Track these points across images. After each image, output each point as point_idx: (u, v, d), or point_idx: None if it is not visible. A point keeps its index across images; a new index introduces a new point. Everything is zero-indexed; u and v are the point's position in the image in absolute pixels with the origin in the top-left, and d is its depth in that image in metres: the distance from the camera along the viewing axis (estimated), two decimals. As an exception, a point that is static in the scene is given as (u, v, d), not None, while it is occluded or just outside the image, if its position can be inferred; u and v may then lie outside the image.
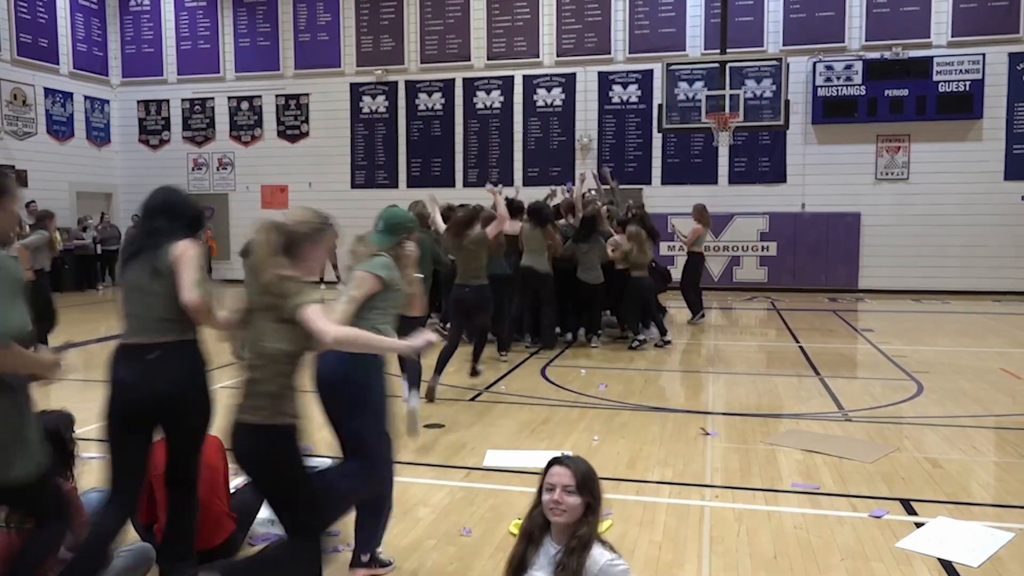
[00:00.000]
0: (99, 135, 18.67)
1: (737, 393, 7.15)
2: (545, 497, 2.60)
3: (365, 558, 3.41)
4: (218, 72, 18.42)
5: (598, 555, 2.51)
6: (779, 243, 15.72)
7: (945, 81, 14.83)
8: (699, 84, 15.23)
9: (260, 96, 18.29)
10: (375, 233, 3.74)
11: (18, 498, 2.73)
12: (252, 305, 2.85)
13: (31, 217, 11.59)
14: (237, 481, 3.73)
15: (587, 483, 2.59)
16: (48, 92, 17.17)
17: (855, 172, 15.46)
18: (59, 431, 3.11)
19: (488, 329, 7.75)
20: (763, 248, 15.80)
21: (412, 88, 17.50)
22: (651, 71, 15.84)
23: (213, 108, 18.61)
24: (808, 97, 15.40)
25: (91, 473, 4.05)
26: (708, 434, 5.59)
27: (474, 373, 7.35)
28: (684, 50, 15.86)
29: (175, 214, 3.16)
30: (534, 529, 2.65)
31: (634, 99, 16.40)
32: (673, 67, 14.74)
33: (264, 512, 3.79)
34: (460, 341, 7.20)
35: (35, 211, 11.16)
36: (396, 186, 17.53)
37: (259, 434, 2.75)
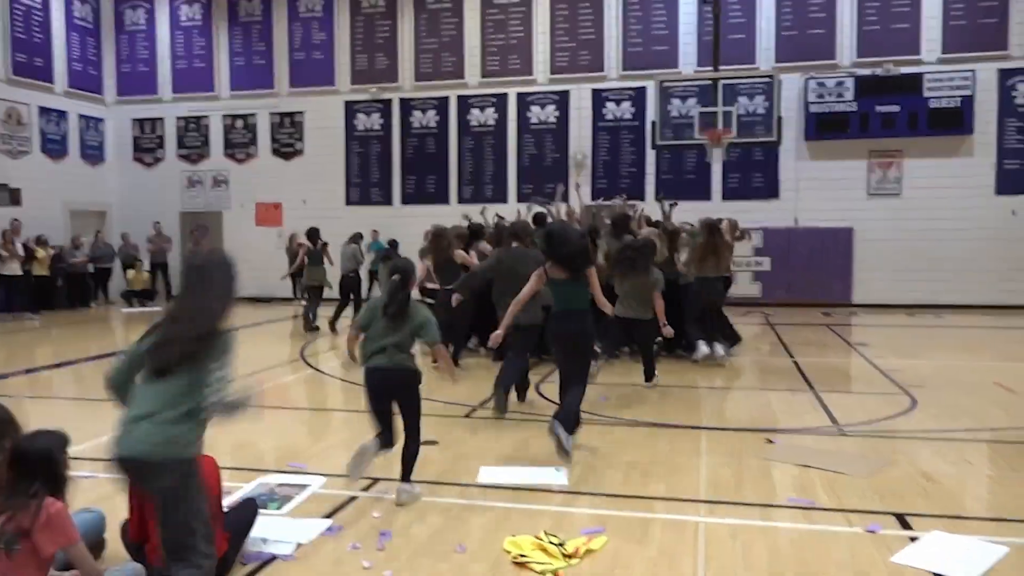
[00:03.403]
0: (93, 153, 18.69)
1: (731, 408, 7.15)
2: None
3: None
4: (213, 90, 18.49)
5: None
6: (773, 258, 15.76)
7: (936, 97, 14.94)
8: (692, 101, 15.32)
9: (255, 114, 18.34)
10: None
11: None
12: None
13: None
14: (229, 500, 3.71)
15: None
16: (43, 111, 17.20)
17: (848, 187, 15.55)
18: (51, 452, 3.05)
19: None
20: (757, 263, 15.84)
21: (406, 106, 17.57)
22: (644, 88, 15.95)
23: (208, 126, 18.65)
24: (800, 113, 15.50)
25: (83, 493, 4.04)
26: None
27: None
28: (677, 67, 15.98)
29: None
30: None
31: (627, 116, 16.49)
32: (666, 84, 14.85)
33: (255, 531, 3.79)
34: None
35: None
36: (390, 203, 17.59)
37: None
